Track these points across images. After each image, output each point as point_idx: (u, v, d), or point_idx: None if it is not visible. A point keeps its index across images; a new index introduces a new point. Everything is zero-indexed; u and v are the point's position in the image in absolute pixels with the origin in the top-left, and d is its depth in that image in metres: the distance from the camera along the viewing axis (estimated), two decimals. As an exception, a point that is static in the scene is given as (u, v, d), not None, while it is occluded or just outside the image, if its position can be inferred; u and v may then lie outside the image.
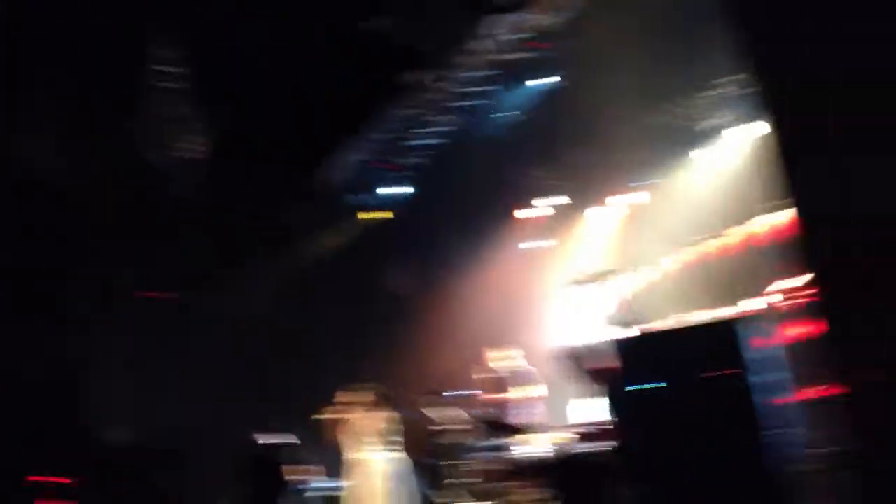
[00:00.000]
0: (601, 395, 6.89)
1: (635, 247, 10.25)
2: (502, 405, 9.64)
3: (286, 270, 11.50)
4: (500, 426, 8.85)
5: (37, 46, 8.40)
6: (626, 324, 7.62)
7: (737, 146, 9.31)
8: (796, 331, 6.50)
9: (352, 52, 8.12)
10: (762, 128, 8.64)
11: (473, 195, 11.47)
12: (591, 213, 11.10)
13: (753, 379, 5.91)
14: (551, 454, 7.89)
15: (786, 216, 5.07)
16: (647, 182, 10.11)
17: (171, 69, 7.63)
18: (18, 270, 9.30)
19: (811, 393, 6.05)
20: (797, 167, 4.49)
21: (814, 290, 4.71)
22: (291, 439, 9.20)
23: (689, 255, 9.52)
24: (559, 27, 8.99)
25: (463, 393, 10.23)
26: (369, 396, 9.61)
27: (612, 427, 6.53)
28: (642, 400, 6.25)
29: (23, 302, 9.38)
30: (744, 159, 9.28)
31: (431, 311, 11.70)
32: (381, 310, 11.74)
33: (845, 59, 4.46)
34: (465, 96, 10.31)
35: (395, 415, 9.60)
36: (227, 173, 9.00)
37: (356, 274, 11.72)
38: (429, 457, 9.50)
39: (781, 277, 7.08)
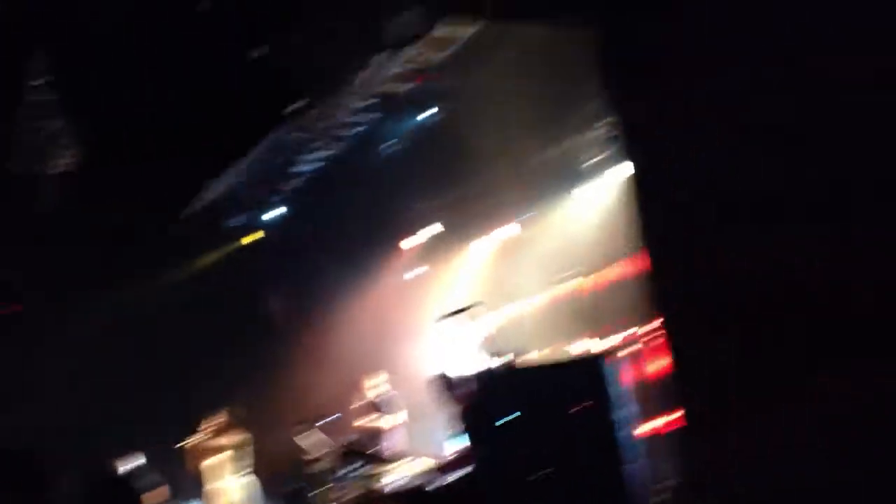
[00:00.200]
0: (466, 425, 7.02)
1: (510, 280, 10.45)
2: (373, 432, 9.68)
3: (156, 292, 11.23)
4: (363, 454, 8.89)
5: None
6: (492, 356, 7.80)
7: (614, 184, 9.54)
8: (648, 367, 6.80)
9: (236, 76, 8.06)
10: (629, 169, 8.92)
11: (353, 222, 11.50)
12: (474, 245, 11.23)
13: (617, 413, 6.13)
14: (411, 483, 7.99)
15: (642, 257, 5.32)
16: (527, 216, 10.32)
17: (41, 81, 7.42)
18: None
19: (660, 427, 6.33)
20: (647, 213, 4.74)
21: (661, 331, 4.96)
22: (148, 465, 8.97)
23: (560, 290, 9.77)
24: (447, 63, 9.16)
25: (334, 418, 10.22)
26: (224, 419, 9.64)
27: (473, 457, 6.65)
28: (505, 432, 6.39)
29: None
30: (619, 198, 9.52)
31: (308, 335, 11.63)
32: (256, 333, 11.60)
33: (698, 112, 4.74)
34: (349, 125, 10.36)
35: (248, 436, 9.59)
36: (97, 190, 8.76)
37: (231, 297, 11.56)
38: (295, 483, 9.45)
39: (640, 316, 7.38)
